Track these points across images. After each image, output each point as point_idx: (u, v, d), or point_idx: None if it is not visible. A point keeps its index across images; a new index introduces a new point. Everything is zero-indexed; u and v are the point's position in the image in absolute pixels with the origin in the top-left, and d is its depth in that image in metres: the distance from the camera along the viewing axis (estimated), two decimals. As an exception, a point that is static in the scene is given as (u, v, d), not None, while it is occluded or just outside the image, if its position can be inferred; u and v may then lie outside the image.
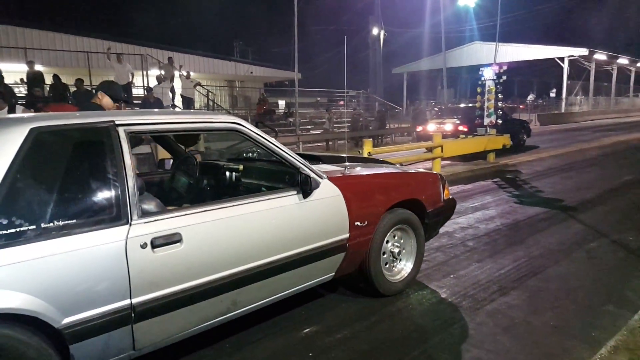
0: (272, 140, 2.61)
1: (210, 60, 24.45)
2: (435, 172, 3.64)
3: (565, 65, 31.05)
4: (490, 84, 28.56)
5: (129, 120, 2.17)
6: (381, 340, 2.70)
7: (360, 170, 3.10)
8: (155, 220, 2.06)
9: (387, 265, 3.19)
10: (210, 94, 19.87)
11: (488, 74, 29.22)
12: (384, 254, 3.14)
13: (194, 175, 3.06)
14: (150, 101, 11.82)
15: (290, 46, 23.47)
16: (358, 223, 2.82)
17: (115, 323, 1.93)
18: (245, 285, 2.37)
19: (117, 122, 2.11)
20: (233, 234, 2.31)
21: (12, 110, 6.14)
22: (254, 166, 3.21)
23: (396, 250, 3.22)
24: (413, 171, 3.51)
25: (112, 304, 1.91)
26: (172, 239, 2.08)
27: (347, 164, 3.10)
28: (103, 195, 1.98)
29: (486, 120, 23.92)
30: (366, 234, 2.90)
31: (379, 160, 3.94)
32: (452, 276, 3.62)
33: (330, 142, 15.68)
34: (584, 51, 30.38)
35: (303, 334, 2.78)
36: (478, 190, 7.24)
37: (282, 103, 30.00)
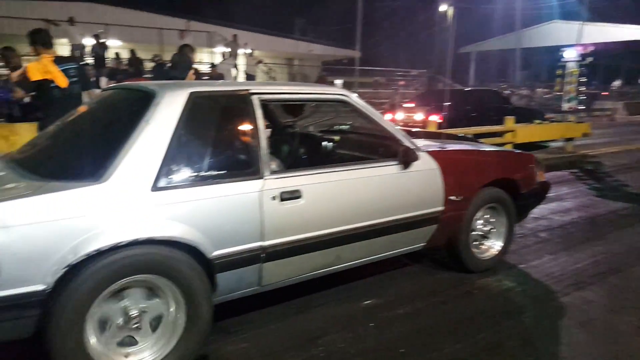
0: (375, 112, 3.01)
1: (271, 38, 25.60)
2: (531, 153, 3.89)
3: (661, 49, 29.26)
4: (572, 66, 27.09)
5: (260, 89, 2.63)
6: (444, 320, 2.86)
7: (457, 146, 3.43)
8: (282, 177, 2.52)
9: (476, 242, 3.53)
10: (271, 71, 20.52)
11: (570, 55, 27.77)
12: (473, 230, 3.46)
13: (292, 143, 3.50)
14: (214, 77, 12.72)
15: (351, 24, 23.71)
16: (453, 197, 3.17)
17: (250, 260, 2.42)
18: (348, 243, 2.80)
19: (251, 91, 2.58)
20: (342, 196, 2.73)
21: (96, 81, 6.96)
22: (346, 138, 3.63)
23: (486, 228, 3.55)
24: (510, 151, 3.79)
25: (249, 244, 2.39)
26: (295, 194, 2.53)
27: (443, 139, 3.43)
28: (244, 152, 2.47)
29: (565, 106, 22.98)
30: (459, 209, 3.24)
31: (472, 140, 4.25)
32: (522, 266, 3.71)
33: (393, 123, 15.88)
34: (684, 33, 28.49)
35: (364, 305, 3.03)
36: (553, 181, 7.11)
37: (339, 82, 30.34)
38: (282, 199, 2.48)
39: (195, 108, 2.36)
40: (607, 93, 28.20)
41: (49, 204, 1.93)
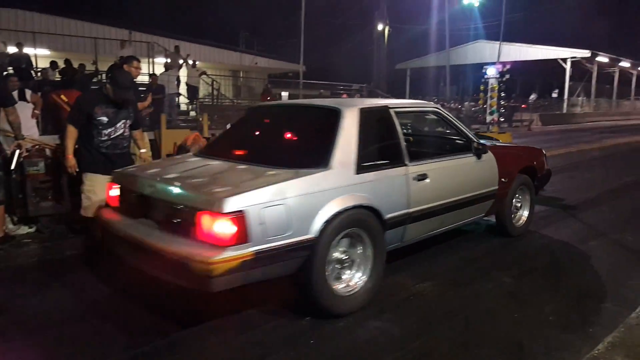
0: (457, 121, 4.28)
1: (215, 50, 25.93)
2: (541, 148, 5.37)
3: (568, 67, 33.61)
4: (493, 82, 30.38)
5: (393, 105, 3.84)
6: (383, 332, 3.04)
7: (502, 144, 4.78)
8: (415, 165, 3.70)
9: (513, 214, 4.92)
10: (215, 83, 20.62)
11: (491, 72, 31.05)
12: (511, 205, 4.83)
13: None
14: (153, 87, 12.06)
15: (295, 39, 24.83)
16: (503, 179, 4.53)
17: (402, 222, 3.57)
18: (449, 212, 4.03)
19: (389, 106, 3.76)
20: (448, 177, 3.99)
21: (21, 93, 6.56)
22: (424, 137, 4.87)
23: (519, 204, 4.95)
24: (530, 146, 5.24)
25: (403, 210, 3.55)
26: (424, 176, 3.72)
27: (494, 139, 4.76)
28: (395, 147, 3.63)
29: (488, 118, 25.87)
30: (506, 188, 4.61)
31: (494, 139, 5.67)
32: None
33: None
34: (586, 53, 32.96)
35: (305, 322, 3.13)
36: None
37: (285, 95, 31.50)
38: (418, 180, 3.67)
39: (364, 118, 3.50)
40: (525, 106, 31.72)
41: (309, 183, 3.01)
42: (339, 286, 3.19)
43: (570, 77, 34.44)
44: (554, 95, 37.00)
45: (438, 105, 4.22)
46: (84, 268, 4.14)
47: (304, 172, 3.05)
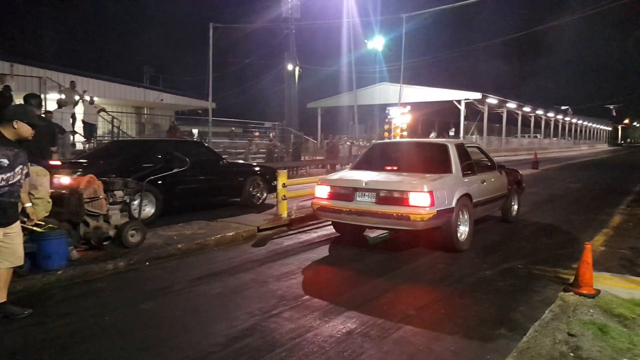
0: (488, 153, 8.34)
1: (117, 86, 26.84)
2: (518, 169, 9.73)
3: (462, 107, 41.23)
4: (395, 122, 36.16)
5: (465, 142, 7.86)
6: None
7: (506, 167, 8.96)
8: (480, 174, 7.64)
9: (512, 209, 9.06)
10: (115, 120, 21.09)
11: (394, 112, 37.02)
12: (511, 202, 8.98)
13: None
14: (47, 127, 10.64)
15: (204, 76, 26.43)
16: (509, 187, 8.65)
17: (476, 205, 7.40)
18: (488, 204, 7.97)
19: (463, 143, 7.75)
20: (490, 182, 7.95)
21: None
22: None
23: (512, 202, 9.09)
24: (515, 168, 9.55)
25: (477, 198, 7.40)
26: (483, 181, 7.66)
27: (502, 164, 8.87)
28: (471, 164, 7.53)
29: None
30: (510, 192, 8.72)
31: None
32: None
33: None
34: (477, 95, 40.85)
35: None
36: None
37: (195, 132, 33.56)
38: (482, 182, 7.59)
39: (457, 149, 7.35)
40: (427, 143, 37.89)
41: (449, 180, 6.80)
42: (458, 235, 6.88)
43: (465, 116, 42.24)
44: (451, 133, 44.47)
45: (478, 143, 8.24)
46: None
47: (444, 175, 6.81)
